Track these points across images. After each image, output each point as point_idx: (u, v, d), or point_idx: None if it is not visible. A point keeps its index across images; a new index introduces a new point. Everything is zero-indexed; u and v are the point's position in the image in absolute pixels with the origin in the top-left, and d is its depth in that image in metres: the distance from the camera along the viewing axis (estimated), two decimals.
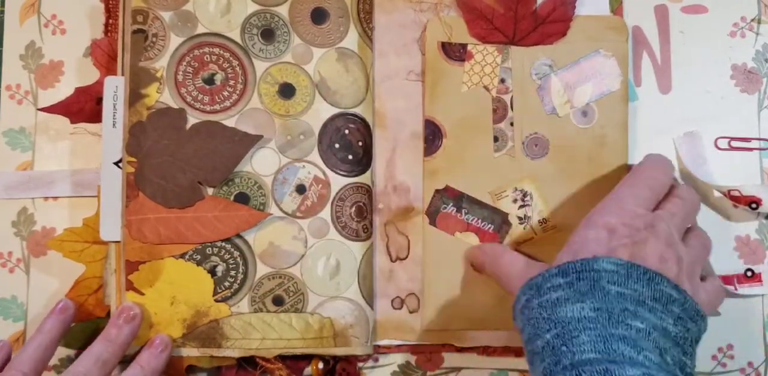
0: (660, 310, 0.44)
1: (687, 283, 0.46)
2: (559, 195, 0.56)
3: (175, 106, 0.55)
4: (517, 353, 0.56)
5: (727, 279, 0.56)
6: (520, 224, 0.56)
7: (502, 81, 0.56)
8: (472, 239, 0.56)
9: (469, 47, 0.56)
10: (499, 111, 0.56)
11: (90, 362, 0.50)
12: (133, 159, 0.54)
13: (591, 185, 0.56)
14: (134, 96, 0.54)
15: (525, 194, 0.56)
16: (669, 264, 0.46)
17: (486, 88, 0.56)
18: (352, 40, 0.56)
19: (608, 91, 0.56)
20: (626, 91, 0.57)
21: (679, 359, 0.43)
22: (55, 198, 0.58)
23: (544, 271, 0.46)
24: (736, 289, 0.56)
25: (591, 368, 0.38)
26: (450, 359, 0.57)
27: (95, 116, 0.56)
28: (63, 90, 0.58)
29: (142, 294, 0.54)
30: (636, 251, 0.45)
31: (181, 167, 0.54)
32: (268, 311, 0.54)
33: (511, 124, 0.56)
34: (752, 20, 0.59)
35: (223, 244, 0.54)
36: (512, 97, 0.56)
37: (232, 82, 0.55)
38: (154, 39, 0.55)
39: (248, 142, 0.54)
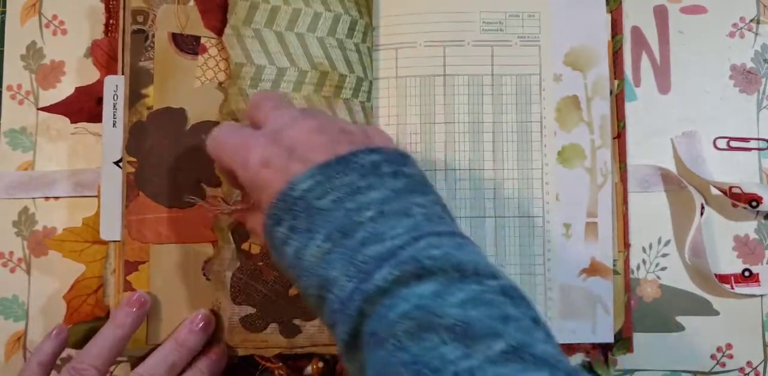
0: (386, 175, 0.39)
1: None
2: None
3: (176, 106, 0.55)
4: None
5: (724, 278, 0.56)
6: None
7: None
8: None
9: (203, 40, 0.55)
10: None
11: (98, 345, 0.50)
12: (134, 159, 0.54)
13: None
14: (134, 96, 0.54)
15: None
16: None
17: (221, 84, 0.55)
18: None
19: None
20: None
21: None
22: (56, 198, 0.58)
23: (263, 229, 0.41)
24: (732, 288, 0.56)
25: (354, 303, 0.35)
26: None
27: (95, 116, 0.56)
28: (64, 90, 0.59)
29: None
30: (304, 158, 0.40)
31: (182, 167, 0.54)
32: None
33: None
34: (751, 21, 0.59)
35: None
36: None
37: None
38: (154, 39, 0.55)
39: None
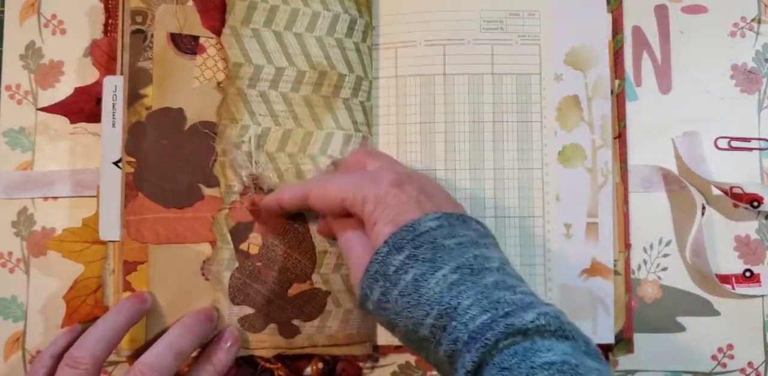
0: (492, 244, 0.44)
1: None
2: None
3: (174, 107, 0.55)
4: None
5: (725, 279, 0.56)
6: None
7: None
8: None
9: (201, 40, 0.55)
10: None
11: (97, 334, 0.49)
12: (132, 159, 0.54)
13: None
14: (133, 96, 0.54)
15: None
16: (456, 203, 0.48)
17: (220, 84, 0.54)
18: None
19: None
20: None
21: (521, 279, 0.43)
22: (55, 198, 0.58)
23: (374, 255, 0.43)
24: (733, 288, 0.56)
25: (493, 332, 0.37)
26: None
27: (95, 116, 0.56)
28: (63, 90, 0.59)
29: None
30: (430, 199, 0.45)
31: (180, 167, 0.54)
32: None
33: None
34: (752, 20, 0.59)
35: None
36: None
37: None
38: (152, 39, 0.55)
39: None
